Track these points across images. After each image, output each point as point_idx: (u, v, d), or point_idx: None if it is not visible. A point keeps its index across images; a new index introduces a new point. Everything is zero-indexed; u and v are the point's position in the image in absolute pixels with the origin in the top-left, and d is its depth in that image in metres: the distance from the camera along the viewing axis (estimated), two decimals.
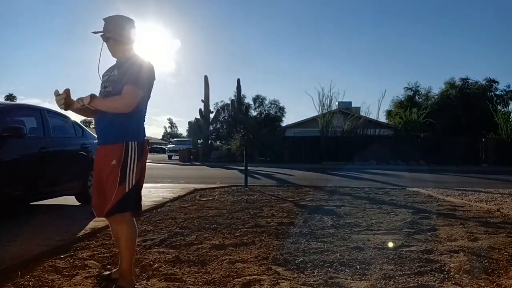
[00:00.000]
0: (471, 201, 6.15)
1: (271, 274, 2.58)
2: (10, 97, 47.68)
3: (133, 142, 2.29)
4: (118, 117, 2.25)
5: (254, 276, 2.51)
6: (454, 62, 63.24)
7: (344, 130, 23.17)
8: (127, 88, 2.22)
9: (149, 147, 56.26)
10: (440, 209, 5.38)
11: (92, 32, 2.37)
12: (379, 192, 7.36)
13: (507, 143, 21.71)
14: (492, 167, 19.28)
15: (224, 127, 30.53)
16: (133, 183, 2.27)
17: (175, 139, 41.79)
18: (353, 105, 29.62)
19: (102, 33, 2.35)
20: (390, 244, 3.35)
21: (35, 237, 3.47)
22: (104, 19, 2.38)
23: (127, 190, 2.23)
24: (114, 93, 2.26)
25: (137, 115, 2.32)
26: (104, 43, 2.38)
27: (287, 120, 36.43)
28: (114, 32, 2.33)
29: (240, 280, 2.44)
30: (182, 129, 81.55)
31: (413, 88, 34.62)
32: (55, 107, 2.81)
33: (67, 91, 2.23)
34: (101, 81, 2.38)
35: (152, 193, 6.80)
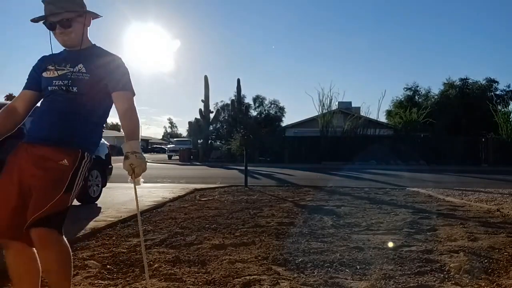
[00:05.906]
0: (471, 201, 6.15)
1: (271, 274, 2.58)
2: (10, 97, 47.52)
3: (88, 154, 1.79)
4: (91, 116, 1.79)
5: (254, 276, 2.51)
6: (454, 62, 63.22)
7: (344, 130, 23.17)
8: (129, 96, 1.80)
9: (149, 147, 56.37)
10: (440, 209, 5.38)
11: (33, 20, 1.76)
12: (379, 192, 7.36)
13: (507, 143, 21.70)
14: (492, 167, 19.27)
15: (224, 127, 30.51)
16: (72, 201, 1.75)
17: (175, 139, 41.74)
18: (353, 105, 29.63)
19: (59, 15, 1.71)
20: (390, 244, 3.35)
21: None
22: None
23: (69, 203, 1.70)
24: (81, 96, 1.74)
25: (102, 126, 1.90)
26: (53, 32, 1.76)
27: (287, 120, 36.43)
28: (76, 9, 1.75)
29: (240, 280, 2.44)
30: (182, 129, 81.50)
31: (413, 88, 34.65)
32: None
33: None
34: (45, 76, 1.77)
35: (152, 193, 6.78)
